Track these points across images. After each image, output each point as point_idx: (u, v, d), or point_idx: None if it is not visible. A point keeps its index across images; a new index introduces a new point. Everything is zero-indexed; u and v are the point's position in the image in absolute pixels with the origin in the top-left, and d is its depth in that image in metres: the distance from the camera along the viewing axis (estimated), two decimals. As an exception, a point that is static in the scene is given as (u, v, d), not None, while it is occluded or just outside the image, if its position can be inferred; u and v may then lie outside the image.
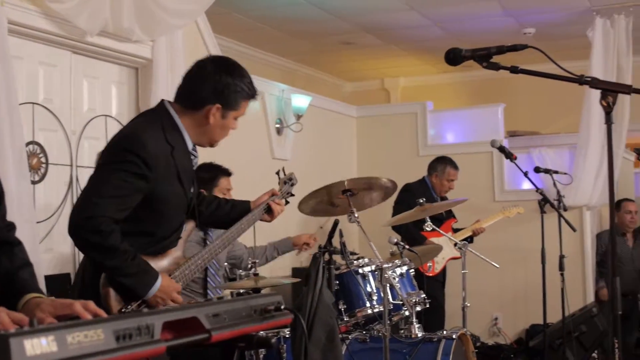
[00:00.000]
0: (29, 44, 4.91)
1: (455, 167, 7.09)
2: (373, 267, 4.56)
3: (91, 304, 2.15)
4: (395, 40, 9.37)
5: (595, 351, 7.66)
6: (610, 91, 2.53)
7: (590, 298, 8.03)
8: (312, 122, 7.85)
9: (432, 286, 6.52)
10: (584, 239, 8.13)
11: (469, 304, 5.65)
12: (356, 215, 4.39)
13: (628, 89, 2.58)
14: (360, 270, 4.56)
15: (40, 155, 4.99)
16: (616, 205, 7.63)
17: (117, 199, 2.99)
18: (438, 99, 10.04)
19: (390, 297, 4.40)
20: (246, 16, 8.19)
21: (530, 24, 8.66)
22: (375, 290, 4.56)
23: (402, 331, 4.63)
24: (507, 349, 7.80)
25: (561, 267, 6.38)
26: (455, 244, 5.88)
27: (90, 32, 4.97)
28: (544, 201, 6.46)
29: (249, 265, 4.31)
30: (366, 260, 4.64)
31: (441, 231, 6.03)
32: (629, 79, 7.73)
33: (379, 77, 11.34)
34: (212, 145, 3.34)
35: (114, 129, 5.36)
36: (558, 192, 6.71)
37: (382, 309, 4.24)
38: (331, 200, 4.66)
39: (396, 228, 6.45)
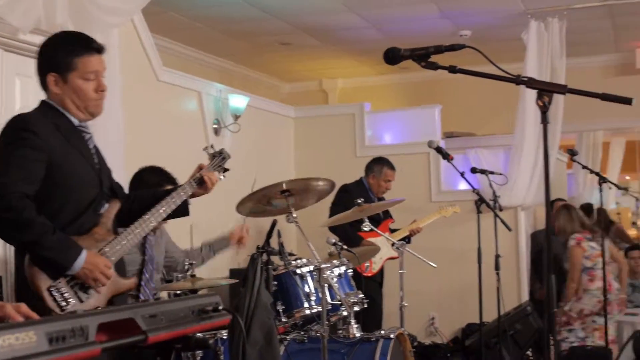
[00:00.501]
0: (-42, 41, 4.79)
1: (392, 167, 7.13)
2: (311, 268, 4.56)
3: (23, 307, 2.11)
4: (333, 41, 9.39)
5: (530, 349, 7.78)
6: (546, 91, 2.56)
7: (525, 297, 8.14)
8: (250, 122, 7.81)
9: (370, 286, 6.54)
10: (519, 238, 8.24)
11: (406, 304, 5.68)
12: (294, 215, 4.37)
13: (563, 89, 2.61)
14: (298, 271, 4.55)
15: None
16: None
17: (23, 173, 3.08)
18: (376, 100, 10.08)
19: (328, 297, 4.40)
20: (183, 15, 8.12)
21: (467, 26, 8.75)
22: (313, 291, 4.55)
23: (340, 331, 4.64)
24: (443, 348, 7.86)
25: (497, 267, 6.46)
26: (393, 244, 5.91)
27: (23, 29, 4.86)
28: (480, 201, 6.53)
29: (186, 267, 4.26)
30: (304, 260, 4.64)
31: (379, 231, 6.05)
32: (562, 80, 7.86)
33: (317, 78, 11.34)
34: (92, 114, 3.38)
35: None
36: (494, 192, 6.79)
37: (320, 310, 4.23)
38: (269, 201, 4.63)
39: (333, 229, 6.45)
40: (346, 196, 6.64)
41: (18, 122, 3.21)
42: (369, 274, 6.79)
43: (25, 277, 3.05)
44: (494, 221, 6.51)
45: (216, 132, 7.49)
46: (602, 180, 6.42)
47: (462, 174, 6.46)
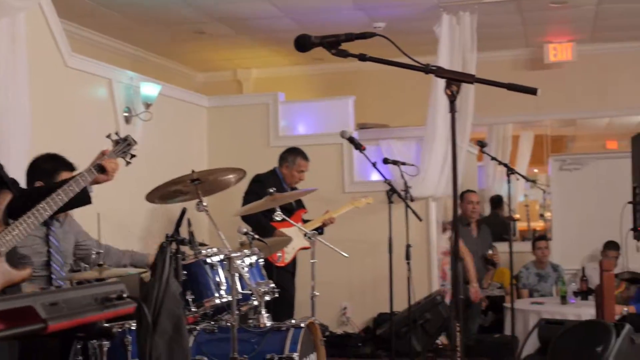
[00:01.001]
0: None
1: (306, 158, 7.13)
2: (222, 257, 4.52)
3: None
4: (247, 31, 9.33)
5: (440, 338, 7.90)
6: (454, 80, 2.59)
7: (435, 286, 8.25)
8: (162, 111, 7.70)
9: (282, 276, 6.54)
10: (430, 229, 8.34)
11: (318, 294, 5.70)
12: (205, 204, 4.33)
13: (472, 79, 2.65)
14: (208, 260, 4.51)
15: None
16: (460, 197, 7.89)
17: None
18: (290, 90, 10.06)
19: (239, 286, 4.38)
20: (94, 1, 7.95)
21: (380, 18, 8.80)
22: (224, 281, 4.52)
23: (250, 321, 4.62)
24: (355, 338, 7.92)
25: (407, 257, 6.53)
26: (305, 234, 5.91)
27: None
28: (391, 191, 6.58)
29: (93, 256, 4.18)
30: (214, 250, 4.59)
31: (291, 221, 6.04)
32: (473, 73, 7.97)
33: (231, 68, 11.26)
34: None
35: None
36: (405, 183, 6.85)
37: (230, 299, 4.20)
38: (180, 189, 4.58)
39: (246, 218, 6.42)
40: (259, 186, 6.62)
41: None
42: (281, 264, 6.78)
43: None
44: (405, 211, 6.57)
45: (127, 120, 7.37)
46: (510, 171, 6.54)
47: (374, 165, 6.51)
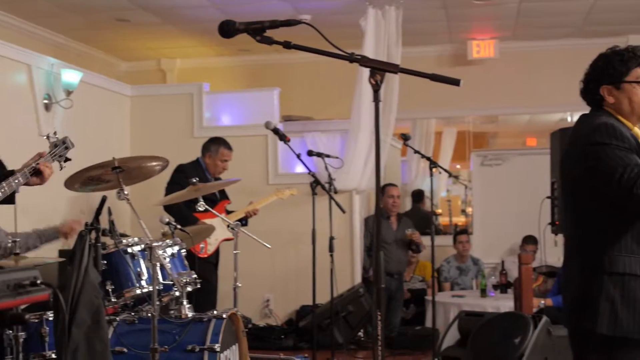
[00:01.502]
0: None
1: (229, 147, 7.09)
2: (143, 247, 4.46)
3: None
4: (173, 20, 9.21)
5: (362, 330, 7.95)
6: (378, 69, 2.60)
7: (358, 279, 8.29)
8: (84, 99, 7.56)
9: (205, 267, 6.50)
10: (353, 221, 8.37)
11: (240, 285, 5.67)
12: (126, 192, 4.26)
13: (396, 68, 2.65)
14: (129, 250, 4.44)
15: None
16: (381, 190, 7.94)
17: None
18: (215, 81, 9.98)
19: (160, 277, 4.33)
20: (14, -15, 7.76)
21: (306, 10, 8.77)
22: (144, 271, 4.46)
23: (172, 312, 4.57)
24: (277, 330, 7.91)
25: (331, 249, 6.55)
26: (229, 225, 5.88)
27: None
28: (315, 183, 6.59)
29: (9, 245, 4.07)
30: (135, 239, 4.53)
31: (215, 212, 6.00)
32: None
33: (155, 58, 11.10)
34: None
35: None
36: (329, 175, 6.87)
37: (151, 290, 4.15)
38: (100, 177, 4.49)
39: (168, 208, 6.36)
40: (182, 176, 6.55)
41: None
42: (204, 255, 6.73)
43: None
44: (329, 204, 6.59)
45: (47, 107, 7.21)
46: (433, 165, 6.62)
47: (298, 156, 6.50)
